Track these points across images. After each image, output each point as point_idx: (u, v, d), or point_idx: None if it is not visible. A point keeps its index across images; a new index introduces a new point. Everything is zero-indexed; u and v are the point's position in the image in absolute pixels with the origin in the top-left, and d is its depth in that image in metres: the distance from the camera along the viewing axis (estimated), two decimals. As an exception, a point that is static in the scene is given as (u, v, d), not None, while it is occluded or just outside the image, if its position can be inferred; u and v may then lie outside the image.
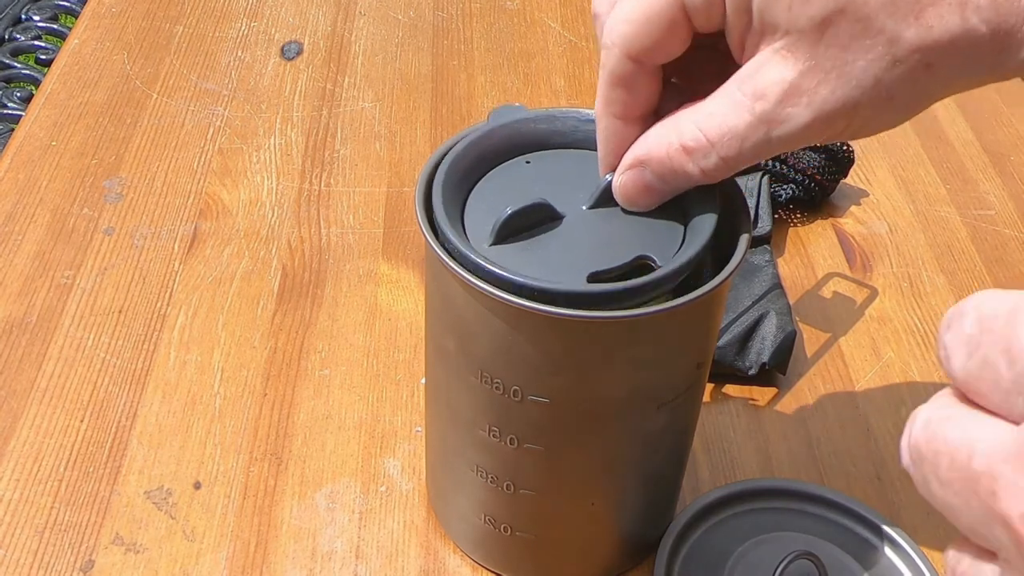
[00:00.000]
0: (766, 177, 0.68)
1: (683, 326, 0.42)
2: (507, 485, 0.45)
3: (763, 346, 0.59)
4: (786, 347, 0.59)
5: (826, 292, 0.66)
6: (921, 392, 0.61)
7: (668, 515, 0.51)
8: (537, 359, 0.40)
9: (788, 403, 0.60)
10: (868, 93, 0.33)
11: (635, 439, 0.44)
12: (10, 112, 0.84)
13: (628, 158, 0.38)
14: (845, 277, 0.68)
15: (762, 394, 0.60)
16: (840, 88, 0.33)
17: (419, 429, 0.57)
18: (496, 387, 0.42)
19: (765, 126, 0.34)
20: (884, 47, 0.32)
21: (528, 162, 0.45)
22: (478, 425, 0.44)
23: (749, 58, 0.35)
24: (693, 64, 0.38)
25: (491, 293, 0.39)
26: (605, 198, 0.42)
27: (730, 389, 0.60)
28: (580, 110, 0.45)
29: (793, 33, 0.33)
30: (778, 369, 0.60)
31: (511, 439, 0.43)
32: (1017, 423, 0.23)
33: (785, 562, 0.46)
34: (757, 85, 0.34)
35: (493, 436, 0.44)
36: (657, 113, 0.39)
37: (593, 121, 0.42)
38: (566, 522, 0.47)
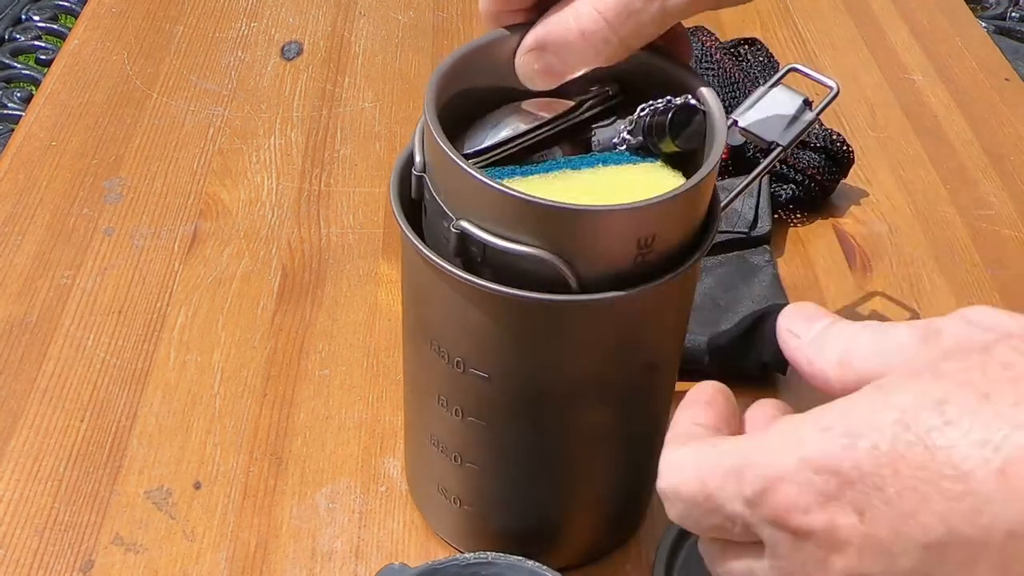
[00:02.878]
0: (766, 177, 0.68)
1: (621, 320, 0.41)
2: (455, 456, 0.46)
3: (763, 346, 0.59)
4: (786, 347, 0.59)
5: (826, 292, 0.66)
6: (921, 392, 0.60)
7: (630, 516, 0.51)
8: (477, 332, 0.41)
9: (788, 403, 0.59)
10: None
11: (574, 431, 0.45)
12: (10, 112, 0.84)
13: (528, 40, 0.39)
14: (845, 277, 0.68)
15: (762, 394, 0.60)
16: None
17: (419, 429, 0.57)
18: (443, 356, 0.43)
19: (658, 0, 0.36)
20: None
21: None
22: (431, 395, 0.45)
23: None
24: None
25: (435, 262, 0.39)
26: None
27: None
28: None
29: None
30: (778, 369, 0.60)
31: (456, 410, 0.44)
32: None
33: (785, 562, 0.46)
34: None
35: (441, 406, 0.45)
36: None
37: None
38: (508, 498, 0.48)
